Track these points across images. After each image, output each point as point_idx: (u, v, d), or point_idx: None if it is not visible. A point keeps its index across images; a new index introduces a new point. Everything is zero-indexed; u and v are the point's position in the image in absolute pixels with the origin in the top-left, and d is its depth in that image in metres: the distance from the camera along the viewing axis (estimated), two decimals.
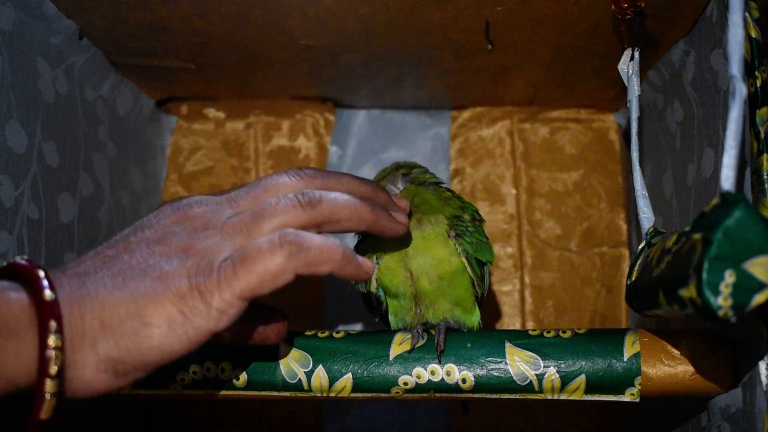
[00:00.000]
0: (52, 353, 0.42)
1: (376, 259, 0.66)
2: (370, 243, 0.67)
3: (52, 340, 0.42)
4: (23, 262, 0.45)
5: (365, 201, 0.55)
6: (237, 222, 0.50)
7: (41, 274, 0.44)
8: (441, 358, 0.62)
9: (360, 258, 0.53)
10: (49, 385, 0.42)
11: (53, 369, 0.42)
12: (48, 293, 0.43)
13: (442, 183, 0.73)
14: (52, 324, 0.42)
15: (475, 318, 0.68)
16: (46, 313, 0.42)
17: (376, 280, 0.67)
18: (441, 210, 0.67)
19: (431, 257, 0.65)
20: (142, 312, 0.45)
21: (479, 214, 0.71)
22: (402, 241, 0.65)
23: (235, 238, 0.49)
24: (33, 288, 0.43)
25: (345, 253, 0.51)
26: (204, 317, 0.46)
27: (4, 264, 0.46)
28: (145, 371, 0.46)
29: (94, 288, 0.46)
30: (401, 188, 0.71)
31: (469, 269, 0.66)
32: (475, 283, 0.66)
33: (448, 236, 0.65)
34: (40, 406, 0.43)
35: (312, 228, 0.51)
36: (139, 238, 0.49)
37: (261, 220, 0.50)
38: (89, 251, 0.50)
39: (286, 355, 0.62)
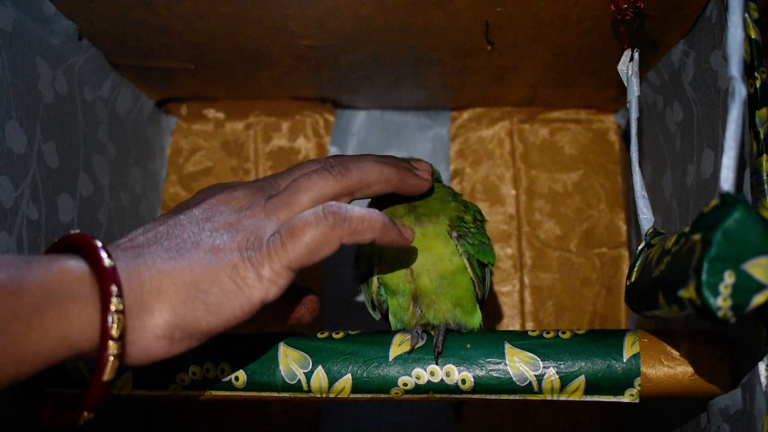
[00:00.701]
0: (114, 316, 0.44)
1: (377, 257, 0.66)
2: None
3: (114, 304, 0.44)
4: (80, 233, 0.47)
5: (388, 162, 0.60)
6: (277, 200, 0.53)
7: (98, 243, 0.46)
8: (438, 359, 0.62)
9: (400, 225, 0.57)
10: (112, 346, 0.44)
11: (116, 331, 0.44)
12: (107, 260, 0.45)
13: (441, 181, 0.73)
14: (113, 288, 0.44)
15: (475, 319, 0.68)
16: (107, 278, 0.44)
17: (378, 278, 0.67)
18: (442, 209, 0.67)
19: (431, 254, 0.65)
20: (198, 281, 0.48)
21: (481, 214, 0.71)
22: None
23: (279, 213, 0.52)
24: (92, 257, 0.45)
25: (385, 221, 0.55)
26: (256, 287, 0.49)
27: (59, 238, 0.49)
28: (200, 339, 0.49)
29: (150, 258, 0.48)
30: None
31: (470, 270, 0.66)
32: (476, 284, 0.66)
33: (449, 236, 0.65)
34: (104, 367, 0.45)
35: (345, 196, 0.56)
36: (188, 216, 0.52)
37: (299, 194, 0.53)
38: (137, 228, 0.52)
39: (284, 356, 0.62)
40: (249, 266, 0.49)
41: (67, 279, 0.44)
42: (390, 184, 0.59)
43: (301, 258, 0.51)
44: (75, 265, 0.45)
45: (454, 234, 0.66)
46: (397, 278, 0.66)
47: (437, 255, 0.65)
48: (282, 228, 0.51)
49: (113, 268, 0.45)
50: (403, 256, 0.65)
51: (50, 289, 0.43)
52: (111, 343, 0.44)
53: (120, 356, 0.45)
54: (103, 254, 0.45)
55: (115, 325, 0.44)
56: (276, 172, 0.59)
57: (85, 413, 0.47)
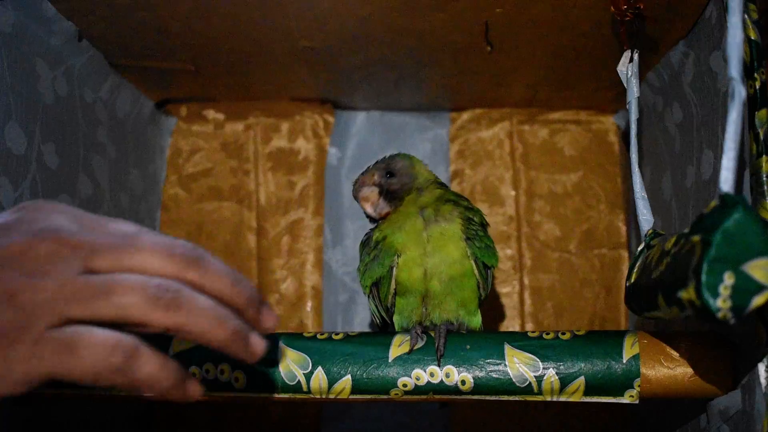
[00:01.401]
0: None
1: (397, 255, 0.67)
2: (393, 234, 0.68)
3: None
4: None
5: (229, 317, 0.46)
6: (80, 286, 0.42)
7: None
8: (441, 361, 0.62)
9: (190, 377, 0.46)
10: None
11: None
12: None
13: (442, 183, 0.74)
14: None
15: (477, 320, 0.68)
16: None
17: (395, 278, 0.67)
18: (455, 209, 0.68)
19: (446, 256, 0.66)
20: None
21: (484, 218, 0.71)
22: (416, 238, 0.67)
23: (73, 306, 0.42)
24: None
25: (178, 379, 0.45)
26: (15, 378, 0.41)
27: None
28: None
29: None
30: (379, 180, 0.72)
31: (476, 272, 0.66)
32: (480, 285, 0.67)
33: (462, 237, 0.66)
34: None
35: (155, 328, 0.44)
36: None
37: (109, 296, 0.42)
38: None
39: (284, 356, 0.62)
40: (10, 356, 0.40)
41: None
42: (213, 343, 0.45)
43: (72, 374, 0.41)
44: None
45: (464, 236, 0.66)
46: (414, 278, 0.67)
47: (451, 258, 0.66)
48: (66, 332, 0.41)
49: None
50: (421, 256, 0.66)
51: None
52: None
53: None
54: None
55: None
56: (103, 217, 0.47)
57: None
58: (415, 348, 0.62)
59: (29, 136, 0.68)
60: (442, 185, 0.73)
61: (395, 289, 0.68)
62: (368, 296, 0.72)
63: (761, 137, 0.55)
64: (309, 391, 0.62)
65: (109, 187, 0.84)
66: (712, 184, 0.65)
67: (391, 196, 0.71)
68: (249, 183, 0.99)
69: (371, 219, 0.73)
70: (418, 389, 0.62)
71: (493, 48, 0.78)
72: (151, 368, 0.43)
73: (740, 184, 0.56)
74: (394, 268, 0.67)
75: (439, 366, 0.62)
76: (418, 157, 0.77)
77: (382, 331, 0.72)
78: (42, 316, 0.41)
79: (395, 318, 0.69)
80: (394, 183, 0.72)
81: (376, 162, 0.75)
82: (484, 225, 0.71)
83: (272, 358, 0.62)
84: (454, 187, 0.98)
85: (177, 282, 0.45)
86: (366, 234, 0.73)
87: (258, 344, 0.47)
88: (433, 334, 0.64)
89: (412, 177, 0.73)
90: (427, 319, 0.66)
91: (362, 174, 0.74)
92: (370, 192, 0.72)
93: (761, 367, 0.53)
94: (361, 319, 0.97)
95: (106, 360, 0.41)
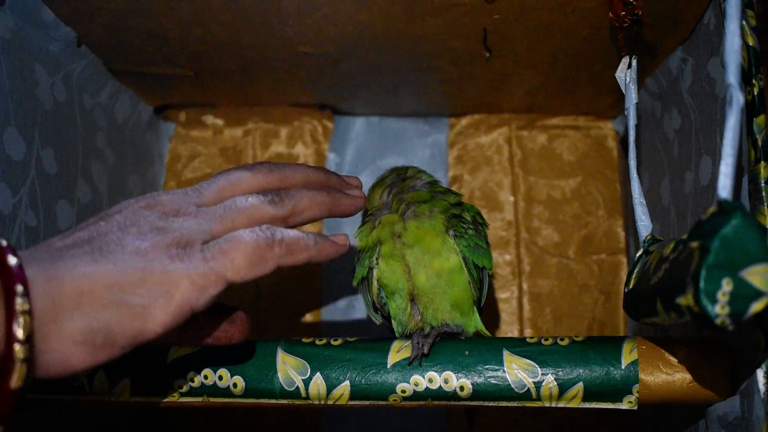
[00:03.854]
0: (21, 318, 0.41)
1: (376, 256, 0.67)
2: (368, 236, 0.69)
3: (19, 304, 0.41)
4: None
5: (320, 188, 0.59)
6: (211, 211, 0.51)
7: (3, 243, 0.43)
8: (421, 361, 0.62)
9: (332, 236, 0.57)
10: (19, 350, 0.41)
11: (22, 333, 0.41)
12: (11, 258, 0.42)
13: (439, 182, 0.74)
14: (18, 287, 0.41)
15: (474, 323, 0.68)
16: (11, 276, 0.41)
17: (377, 279, 0.67)
18: (434, 203, 0.68)
19: (425, 248, 0.66)
20: (122, 283, 0.45)
21: (482, 217, 0.71)
22: (397, 231, 0.67)
23: (212, 224, 0.51)
24: None
25: (316, 239, 0.55)
26: (186, 291, 0.47)
27: None
28: (123, 347, 0.45)
29: (71, 261, 0.45)
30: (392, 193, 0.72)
31: (465, 270, 0.66)
32: (472, 285, 0.66)
33: (446, 232, 0.66)
34: (10, 373, 0.41)
35: (279, 222, 0.54)
36: (109, 221, 0.49)
37: (235, 213, 0.52)
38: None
39: (283, 362, 0.62)
40: (180, 268, 0.47)
41: None
42: (323, 208, 0.58)
43: (240, 270, 0.49)
44: None
45: (451, 232, 0.66)
46: (396, 276, 0.66)
47: (433, 250, 0.66)
48: (221, 239, 0.50)
49: (19, 267, 0.42)
50: (399, 251, 0.66)
51: None
52: (17, 346, 0.41)
53: (30, 361, 0.41)
54: (8, 254, 0.42)
55: (20, 327, 0.40)
56: (202, 181, 0.56)
57: None
58: (415, 358, 0.63)
59: (28, 142, 0.68)
60: (434, 183, 0.73)
61: (380, 288, 0.68)
62: (363, 297, 0.72)
63: (759, 143, 0.55)
64: (308, 397, 0.62)
65: (107, 193, 0.84)
66: (710, 190, 0.65)
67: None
68: None
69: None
70: (416, 395, 0.62)
71: (492, 54, 0.78)
72: (294, 233, 0.53)
73: (738, 190, 0.56)
74: (374, 268, 0.67)
75: (419, 364, 0.62)
76: (415, 164, 0.77)
77: (388, 328, 0.71)
78: (195, 234, 0.49)
79: (393, 325, 0.69)
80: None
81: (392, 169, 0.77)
82: (480, 224, 0.70)
83: (271, 363, 0.62)
84: None
85: (270, 185, 0.57)
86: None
87: (356, 194, 0.63)
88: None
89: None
90: (425, 324, 0.66)
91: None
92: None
93: (760, 373, 0.53)
94: (360, 325, 0.97)
95: (260, 240, 0.50)
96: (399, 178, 0.73)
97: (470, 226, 0.68)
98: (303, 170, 0.60)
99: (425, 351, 0.62)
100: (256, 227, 0.51)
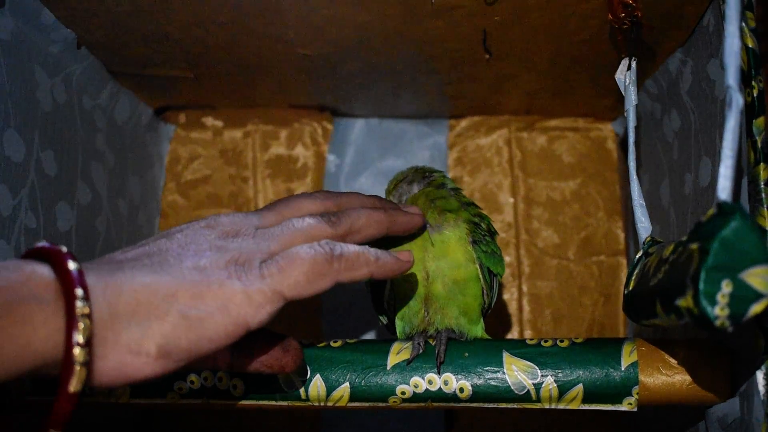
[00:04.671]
0: (80, 321, 0.41)
1: None
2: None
3: (79, 307, 0.41)
4: (46, 244, 0.45)
5: (378, 208, 0.60)
6: (269, 232, 0.52)
7: (64, 249, 0.44)
8: (440, 368, 0.62)
9: (395, 253, 0.57)
10: (78, 353, 0.41)
11: (81, 337, 0.41)
12: (71, 263, 0.43)
13: (461, 189, 0.74)
14: (78, 291, 0.42)
15: (478, 329, 0.68)
16: (71, 281, 0.42)
17: (390, 282, 0.67)
18: (461, 214, 0.68)
19: (450, 260, 0.66)
20: (180, 295, 0.45)
21: (493, 227, 0.71)
22: (422, 243, 0.67)
23: (271, 244, 0.51)
24: (57, 261, 0.43)
25: (378, 253, 0.55)
26: (243, 308, 0.47)
27: (26, 250, 0.46)
28: (177, 361, 0.46)
29: (130, 271, 0.46)
30: (417, 190, 0.73)
31: (481, 278, 0.66)
32: (485, 292, 0.67)
33: (468, 242, 0.66)
34: (69, 376, 0.41)
35: (338, 240, 0.54)
36: (170, 239, 0.50)
37: (293, 233, 0.52)
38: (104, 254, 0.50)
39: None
40: (238, 285, 0.47)
41: (33, 283, 0.42)
42: (381, 227, 0.59)
43: (298, 286, 0.49)
44: (42, 271, 0.43)
45: (470, 239, 0.66)
46: (415, 282, 0.66)
47: (455, 261, 0.66)
48: (279, 256, 0.50)
49: (79, 272, 0.43)
50: (421, 260, 0.66)
51: (14, 293, 0.41)
52: (77, 350, 0.41)
53: (88, 366, 0.42)
54: (69, 259, 0.43)
55: (80, 331, 0.41)
56: (262, 207, 0.58)
57: (52, 431, 0.43)
58: (415, 358, 0.63)
59: (28, 144, 0.68)
60: (457, 190, 0.73)
61: (392, 290, 0.68)
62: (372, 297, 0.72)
63: (759, 145, 0.55)
64: (307, 399, 0.62)
65: (107, 195, 0.84)
66: (710, 192, 0.65)
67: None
68: (247, 190, 0.99)
69: None
70: (416, 397, 0.62)
71: (492, 56, 0.78)
72: (354, 248, 0.53)
73: (738, 192, 0.56)
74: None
75: (438, 373, 0.62)
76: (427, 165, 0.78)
77: (389, 329, 0.71)
78: (254, 254, 0.50)
79: (397, 323, 0.69)
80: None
81: (416, 169, 0.78)
82: (491, 232, 0.70)
83: None
84: None
85: (328, 209, 0.58)
86: None
87: (413, 210, 0.65)
88: (433, 342, 0.64)
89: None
90: (430, 326, 0.66)
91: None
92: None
93: (759, 374, 0.53)
94: (360, 327, 0.97)
95: (318, 255, 0.50)
96: (425, 181, 0.74)
97: (486, 234, 0.68)
98: (358, 196, 0.62)
99: (442, 359, 0.62)
100: (314, 243, 0.51)
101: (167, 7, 0.69)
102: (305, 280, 0.49)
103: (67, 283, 0.42)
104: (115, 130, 0.87)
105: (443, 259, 0.66)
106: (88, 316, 0.42)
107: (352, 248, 0.53)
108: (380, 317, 0.72)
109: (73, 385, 0.42)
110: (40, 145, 0.70)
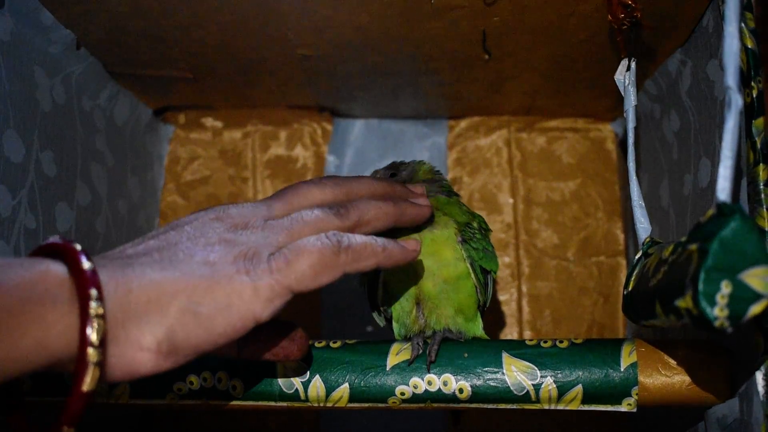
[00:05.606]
0: (94, 321, 0.41)
1: None
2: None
3: (93, 308, 0.41)
4: (58, 240, 0.45)
5: (386, 199, 0.59)
6: (277, 224, 0.52)
7: (78, 247, 0.44)
8: (430, 368, 0.62)
9: (402, 242, 0.57)
10: (92, 354, 0.42)
11: (95, 337, 0.41)
12: (87, 263, 0.43)
13: (453, 191, 0.74)
14: (93, 291, 0.42)
15: (476, 327, 0.68)
16: (86, 280, 0.42)
17: (383, 283, 0.67)
18: (452, 214, 0.68)
19: (438, 259, 0.66)
20: (189, 291, 0.46)
21: (486, 224, 0.71)
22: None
23: (279, 236, 0.51)
24: (71, 261, 0.43)
25: (386, 244, 0.54)
26: (252, 302, 0.47)
27: (37, 246, 0.46)
28: (186, 355, 0.46)
29: (140, 268, 0.46)
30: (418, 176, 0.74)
31: (473, 275, 0.66)
32: (479, 290, 0.67)
33: (456, 241, 0.66)
34: (83, 376, 0.42)
35: (345, 230, 0.54)
36: (179, 231, 0.50)
37: (302, 225, 0.52)
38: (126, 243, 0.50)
39: (282, 364, 0.62)
40: (246, 280, 0.47)
41: (47, 282, 0.42)
42: (390, 219, 0.59)
43: (305, 279, 0.49)
44: (56, 269, 0.43)
45: (459, 238, 0.66)
46: (404, 281, 0.66)
47: (443, 260, 0.66)
48: (287, 248, 0.50)
49: (93, 271, 0.43)
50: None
51: (29, 290, 0.41)
52: (90, 350, 0.41)
53: (101, 366, 0.42)
54: (83, 258, 0.43)
55: (94, 331, 0.41)
56: (270, 195, 0.57)
57: (65, 428, 0.44)
58: (416, 358, 0.63)
59: (27, 144, 0.68)
60: (450, 191, 0.73)
61: (385, 292, 0.68)
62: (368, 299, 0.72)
63: (758, 146, 0.55)
64: (307, 400, 0.62)
65: (107, 195, 0.84)
66: (709, 193, 0.65)
67: None
68: (247, 190, 0.99)
69: None
70: (416, 397, 0.62)
71: (491, 56, 0.78)
72: (361, 239, 0.53)
73: (737, 192, 0.56)
74: (381, 273, 0.67)
75: (428, 371, 0.62)
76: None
77: (388, 326, 0.71)
78: (262, 248, 0.49)
79: (394, 326, 0.69)
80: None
81: (390, 164, 0.77)
82: (484, 230, 0.70)
83: (270, 365, 0.62)
84: None
85: (337, 198, 0.57)
86: None
87: (423, 201, 0.63)
88: (431, 342, 0.64)
89: (411, 178, 0.74)
90: (427, 327, 0.66)
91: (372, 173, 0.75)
92: None
93: (759, 375, 0.53)
94: (359, 327, 0.97)
95: (326, 247, 0.50)
96: (408, 175, 0.74)
97: (477, 232, 0.68)
98: (368, 183, 0.61)
99: (432, 358, 0.62)
100: (322, 234, 0.51)
101: (167, 8, 0.69)
102: (312, 273, 0.49)
103: (81, 283, 0.42)
104: (114, 130, 0.87)
105: (431, 258, 0.66)
106: (102, 316, 0.42)
107: (360, 239, 0.53)
108: (378, 319, 0.72)
109: (87, 384, 0.42)
110: (39, 146, 0.70)
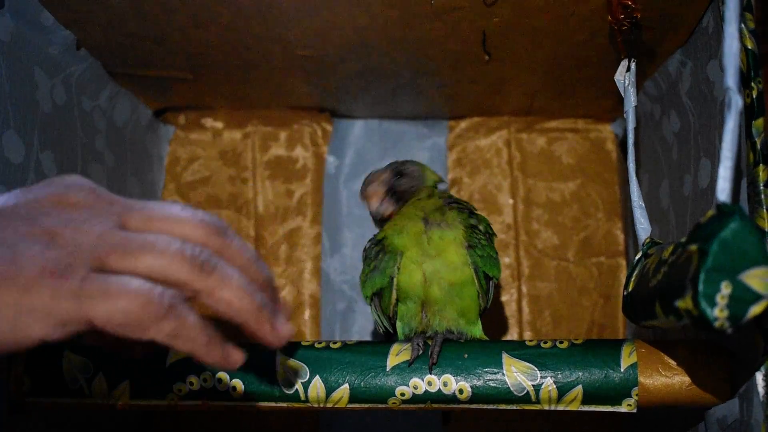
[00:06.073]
0: None
1: (397, 265, 0.67)
2: (394, 235, 0.69)
3: None
4: None
5: (256, 291, 0.46)
6: (119, 238, 0.43)
7: None
8: (432, 369, 0.62)
9: (229, 346, 0.45)
10: None
11: None
12: None
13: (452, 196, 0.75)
14: None
15: (476, 329, 0.68)
16: None
17: (396, 288, 0.67)
18: (457, 216, 0.69)
19: (444, 260, 0.66)
20: None
21: (491, 228, 0.72)
22: (416, 239, 0.67)
23: (110, 254, 0.42)
24: None
25: (211, 339, 0.44)
26: (39, 322, 0.40)
27: None
28: None
29: None
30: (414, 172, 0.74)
31: (476, 281, 0.66)
32: (480, 296, 0.67)
33: (463, 245, 0.66)
34: None
35: (188, 290, 0.44)
36: (14, 210, 0.43)
37: (144, 253, 0.43)
38: None
39: (283, 366, 0.62)
40: (45, 294, 0.39)
41: None
42: (239, 316, 0.45)
43: (109, 322, 0.40)
44: None
45: (466, 243, 0.67)
46: (413, 282, 0.67)
47: (450, 263, 0.66)
48: (111, 278, 0.41)
49: None
50: (421, 258, 0.67)
51: None
52: None
53: None
54: None
55: None
56: (148, 202, 0.46)
57: None
58: (416, 358, 0.63)
59: (27, 145, 0.68)
60: (448, 193, 0.74)
61: (397, 299, 0.68)
62: (370, 305, 0.72)
63: (758, 146, 0.55)
64: (307, 400, 0.62)
65: None
66: (709, 193, 0.65)
67: (397, 196, 0.73)
68: (247, 191, 0.99)
69: (375, 220, 0.74)
70: (416, 398, 0.62)
71: (491, 57, 0.78)
72: (195, 319, 0.42)
73: (737, 193, 0.56)
74: (395, 277, 0.67)
75: (430, 373, 0.62)
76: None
77: (387, 339, 0.71)
78: (85, 258, 0.41)
79: (398, 324, 0.69)
80: (403, 184, 0.73)
81: (389, 164, 0.76)
82: (489, 234, 0.71)
83: (270, 366, 0.62)
84: None
85: (207, 248, 0.45)
86: (369, 240, 0.73)
87: (284, 326, 0.48)
88: (431, 343, 0.64)
89: (420, 180, 0.74)
90: (429, 328, 0.67)
91: (372, 173, 0.75)
92: (378, 188, 0.73)
93: (759, 375, 0.53)
94: (359, 328, 0.97)
95: (155, 302, 0.41)
96: (408, 181, 0.74)
97: (483, 237, 0.69)
98: (250, 256, 0.48)
99: (434, 360, 0.62)
100: (159, 287, 0.42)
101: (167, 9, 0.69)
102: (122, 321, 0.40)
103: None
104: (114, 131, 0.87)
105: (438, 259, 0.66)
106: None
107: (194, 319, 0.43)
108: (382, 322, 0.72)
109: None
110: (39, 147, 0.70)
